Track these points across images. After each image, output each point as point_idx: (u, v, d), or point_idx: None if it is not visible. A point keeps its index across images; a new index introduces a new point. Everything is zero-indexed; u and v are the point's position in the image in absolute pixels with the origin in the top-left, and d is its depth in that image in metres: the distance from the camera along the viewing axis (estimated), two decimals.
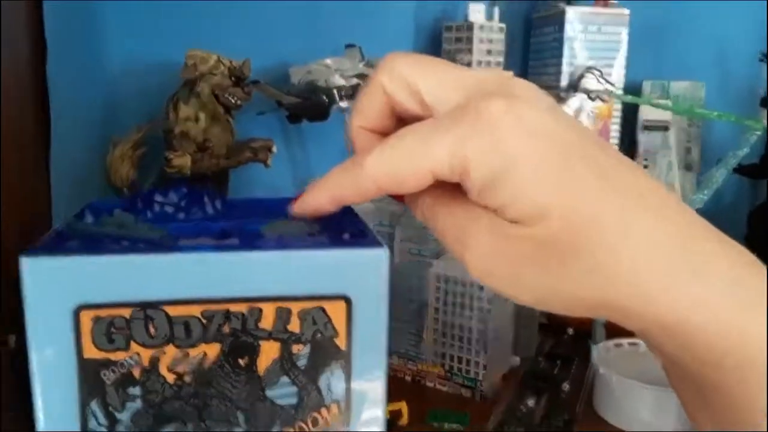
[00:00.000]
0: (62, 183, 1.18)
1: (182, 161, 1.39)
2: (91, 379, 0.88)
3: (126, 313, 0.88)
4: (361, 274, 0.96)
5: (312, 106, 1.58)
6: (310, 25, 1.73)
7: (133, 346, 0.88)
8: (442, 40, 1.86)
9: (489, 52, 1.82)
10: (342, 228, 1.02)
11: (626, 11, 1.82)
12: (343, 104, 1.58)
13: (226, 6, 1.62)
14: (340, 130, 1.66)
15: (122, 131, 1.52)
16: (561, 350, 1.47)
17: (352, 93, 1.57)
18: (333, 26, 1.75)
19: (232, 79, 1.45)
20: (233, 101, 1.46)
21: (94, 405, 0.88)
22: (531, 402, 1.25)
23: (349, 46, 1.68)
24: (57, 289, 0.84)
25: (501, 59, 1.86)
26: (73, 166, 1.28)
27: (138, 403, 0.91)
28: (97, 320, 0.87)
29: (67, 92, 1.27)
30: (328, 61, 1.60)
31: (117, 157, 1.48)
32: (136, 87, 1.57)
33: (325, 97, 1.56)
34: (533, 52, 1.97)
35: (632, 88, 1.95)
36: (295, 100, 1.58)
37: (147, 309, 0.89)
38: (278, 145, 1.57)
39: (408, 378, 1.34)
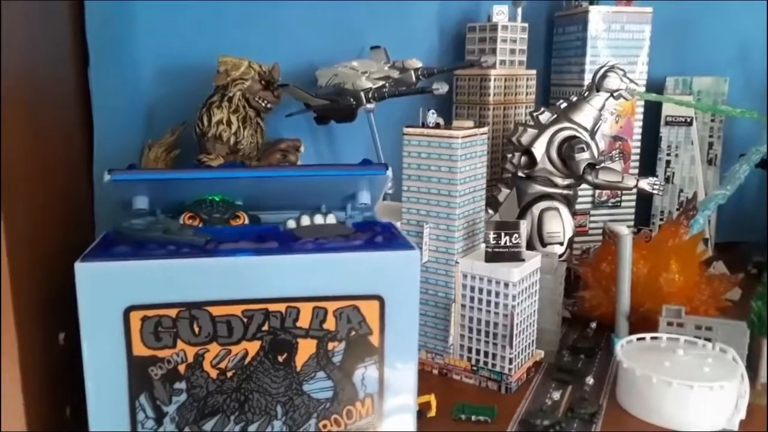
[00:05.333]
0: (102, 186, 1.23)
1: (215, 164, 1.44)
2: (139, 374, 0.93)
3: (172, 313, 0.94)
4: (394, 274, 1.00)
5: (339, 108, 1.62)
6: (335, 28, 1.76)
7: (179, 343, 0.94)
8: (465, 40, 1.89)
9: (512, 51, 1.85)
10: (374, 230, 1.06)
11: (649, 9, 1.83)
12: (369, 106, 1.62)
13: (254, 12, 1.66)
14: (366, 130, 1.70)
15: (156, 134, 1.57)
16: (584, 344, 1.49)
17: (377, 95, 1.61)
18: (358, 28, 1.78)
19: (262, 83, 1.49)
20: (263, 104, 1.51)
21: (143, 399, 0.94)
22: (556, 395, 1.28)
23: (375, 47, 1.72)
24: (108, 292, 0.89)
25: (524, 58, 1.89)
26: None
27: (184, 397, 0.96)
28: (145, 320, 0.92)
29: (107, 98, 1.32)
30: (355, 63, 1.64)
31: (151, 160, 1.53)
32: (168, 91, 1.62)
33: (351, 99, 1.60)
34: (556, 50, 1.98)
35: (655, 84, 1.96)
36: (323, 102, 1.61)
37: (192, 309, 0.95)
38: (306, 145, 1.60)
39: (435, 371, 1.38)
